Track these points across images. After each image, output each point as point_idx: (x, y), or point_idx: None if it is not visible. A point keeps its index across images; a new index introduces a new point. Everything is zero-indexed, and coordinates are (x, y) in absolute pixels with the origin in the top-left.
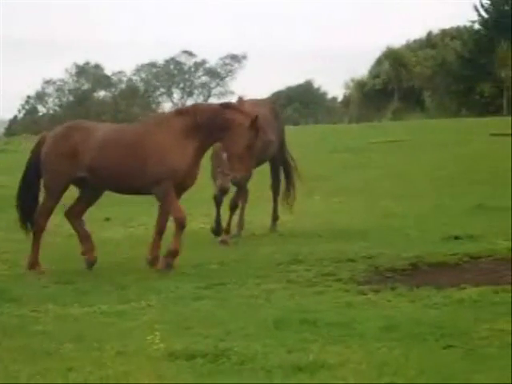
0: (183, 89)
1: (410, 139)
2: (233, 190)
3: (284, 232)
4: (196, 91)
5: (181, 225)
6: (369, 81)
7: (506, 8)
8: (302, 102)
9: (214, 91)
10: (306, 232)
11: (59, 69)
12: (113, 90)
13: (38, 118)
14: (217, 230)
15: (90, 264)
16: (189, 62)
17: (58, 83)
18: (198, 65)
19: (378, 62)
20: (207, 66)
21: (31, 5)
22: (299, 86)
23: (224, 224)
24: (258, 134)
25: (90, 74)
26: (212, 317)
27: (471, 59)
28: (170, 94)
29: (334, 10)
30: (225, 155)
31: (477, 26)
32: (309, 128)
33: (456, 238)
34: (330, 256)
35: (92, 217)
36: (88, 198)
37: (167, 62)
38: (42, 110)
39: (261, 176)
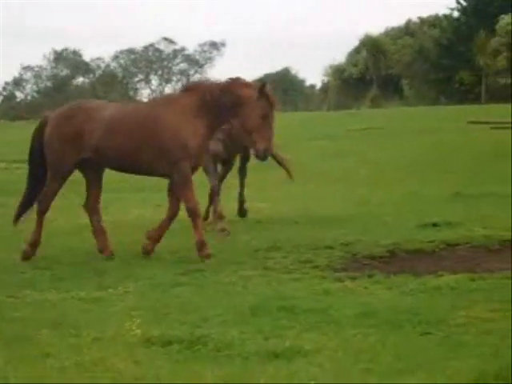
0: (161, 76)
1: (388, 127)
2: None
3: (261, 219)
4: (174, 78)
5: (194, 214)
6: (347, 67)
7: None
8: (280, 89)
9: (192, 78)
10: (283, 219)
11: (38, 55)
12: (91, 76)
13: (15, 104)
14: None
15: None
16: (168, 48)
17: (36, 69)
18: (177, 52)
19: (357, 49)
20: (186, 53)
21: None
22: (277, 74)
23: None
24: (270, 101)
25: (68, 60)
26: (189, 303)
27: (449, 47)
28: (148, 81)
29: None
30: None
31: (456, 14)
32: (287, 115)
33: (433, 225)
34: (307, 243)
35: (70, 203)
36: (95, 182)
37: (146, 48)
38: (20, 96)
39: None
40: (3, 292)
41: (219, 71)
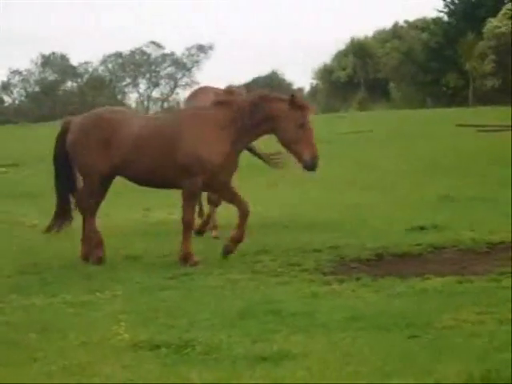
0: (149, 79)
1: (376, 130)
2: None
3: (250, 222)
4: (162, 82)
5: (187, 227)
6: (336, 70)
7: (473, 0)
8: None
9: (180, 82)
10: (271, 222)
11: (26, 59)
12: (79, 80)
13: (3, 108)
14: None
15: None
16: (155, 52)
17: (24, 73)
18: (165, 56)
19: (344, 52)
20: (174, 57)
21: None
22: (266, 77)
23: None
24: (303, 109)
25: (55, 64)
26: (177, 307)
27: (438, 49)
28: (136, 85)
29: (303, 2)
30: None
31: (445, 18)
32: None
33: (421, 228)
34: (295, 246)
35: None
36: (103, 191)
37: (132, 52)
38: (8, 100)
39: None
40: None
41: (207, 75)
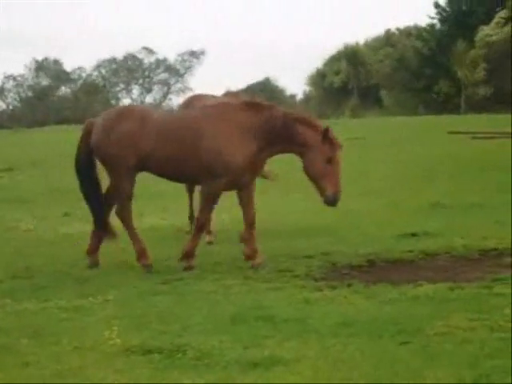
0: (142, 85)
1: (368, 137)
2: None
3: (241, 228)
4: (155, 87)
5: (200, 227)
6: (329, 74)
7: (464, 8)
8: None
9: (173, 88)
10: (263, 228)
11: (20, 64)
12: (72, 86)
13: None
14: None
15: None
16: (148, 58)
17: (18, 79)
18: (158, 62)
19: (337, 57)
20: (167, 63)
21: None
22: (259, 84)
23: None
24: (335, 144)
25: (49, 69)
26: (169, 312)
27: (430, 56)
28: (129, 91)
29: (297, 8)
30: None
31: (438, 25)
32: None
33: (413, 235)
34: (286, 252)
35: (51, 212)
36: (130, 187)
37: (125, 58)
38: (1, 105)
39: None
40: None
41: (200, 80)
